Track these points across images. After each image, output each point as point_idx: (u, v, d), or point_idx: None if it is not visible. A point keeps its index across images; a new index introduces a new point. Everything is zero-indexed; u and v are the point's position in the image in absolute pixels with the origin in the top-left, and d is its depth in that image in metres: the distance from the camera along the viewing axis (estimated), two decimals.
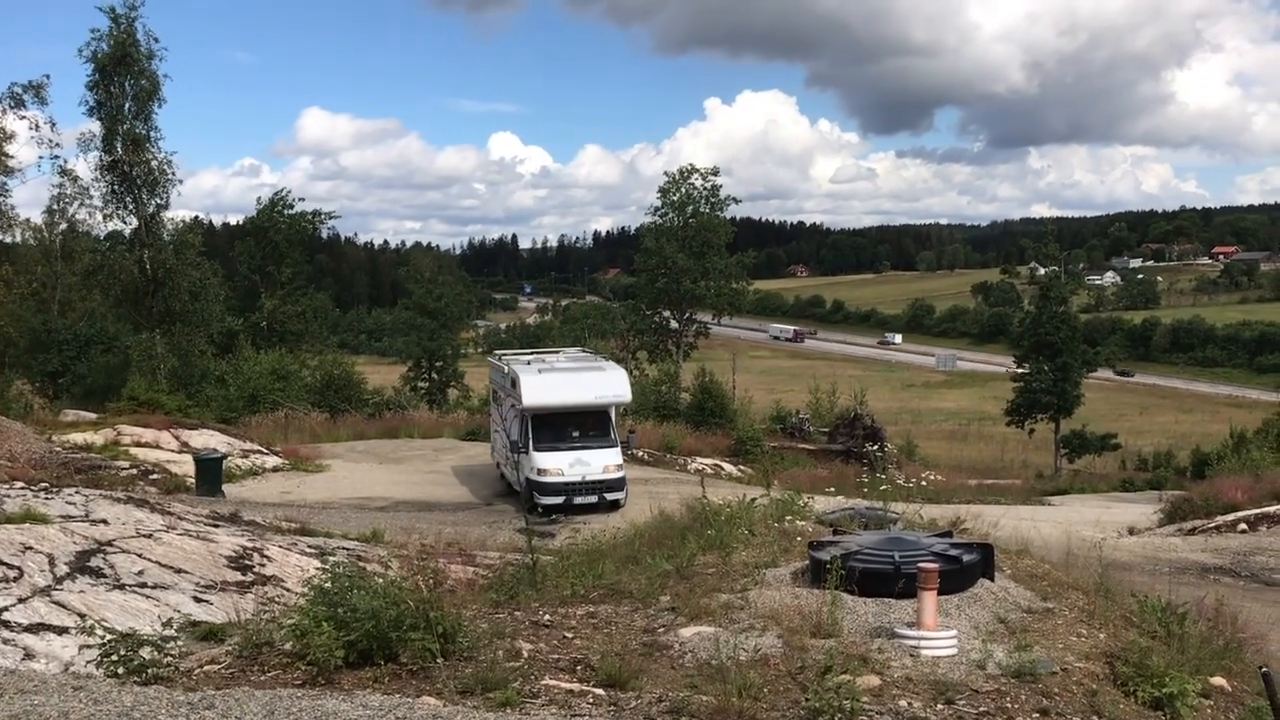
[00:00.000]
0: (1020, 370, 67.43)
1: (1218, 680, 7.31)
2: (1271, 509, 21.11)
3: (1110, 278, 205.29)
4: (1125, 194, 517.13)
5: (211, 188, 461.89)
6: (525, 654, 7.15)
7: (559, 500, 23.12)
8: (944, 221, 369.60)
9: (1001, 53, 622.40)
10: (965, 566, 8.18)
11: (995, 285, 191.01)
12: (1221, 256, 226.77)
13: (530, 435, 23.80)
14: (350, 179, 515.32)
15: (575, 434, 24.21)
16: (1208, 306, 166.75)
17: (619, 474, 23.90)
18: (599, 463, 23.67)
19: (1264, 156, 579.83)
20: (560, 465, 23.41)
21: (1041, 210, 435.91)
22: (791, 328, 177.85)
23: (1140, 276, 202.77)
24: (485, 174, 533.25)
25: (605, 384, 24.89)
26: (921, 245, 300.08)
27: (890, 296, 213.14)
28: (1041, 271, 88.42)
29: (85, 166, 40.02)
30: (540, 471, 23.40)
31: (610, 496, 23.57)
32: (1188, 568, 15.82)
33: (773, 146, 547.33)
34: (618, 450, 24.53)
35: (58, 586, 10.09)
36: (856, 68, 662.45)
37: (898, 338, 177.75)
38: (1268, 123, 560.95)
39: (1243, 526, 20.06)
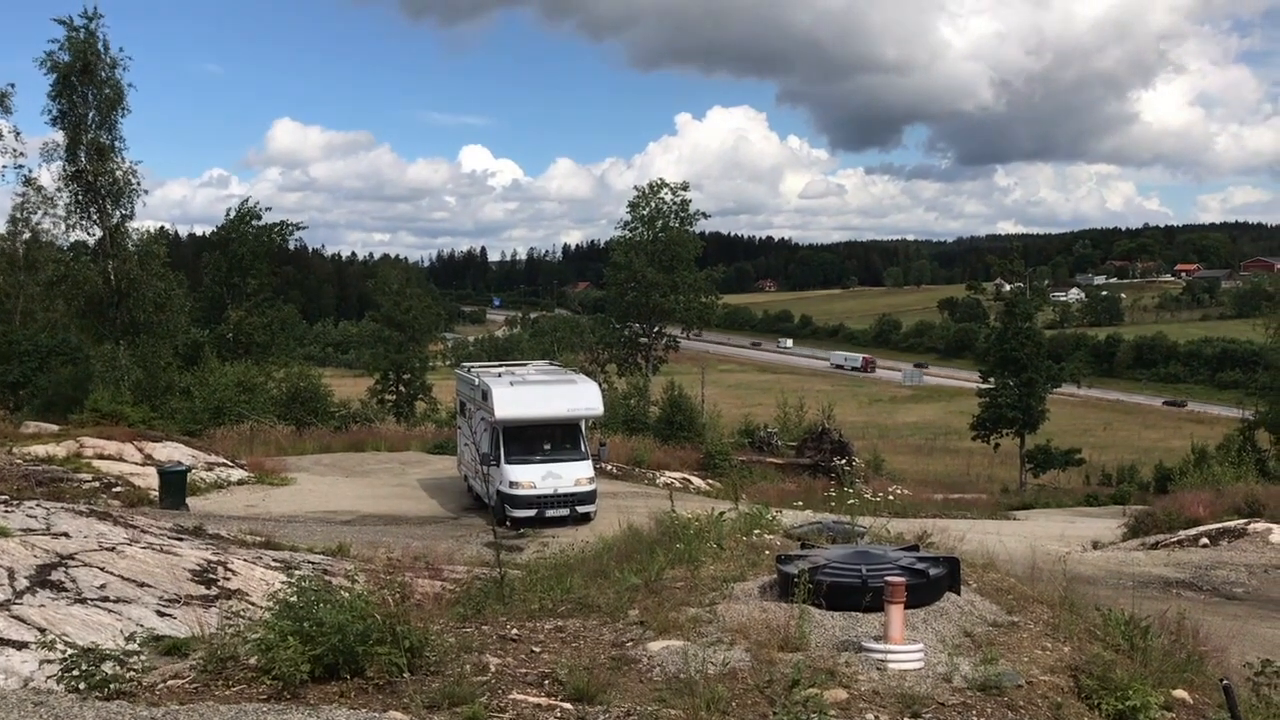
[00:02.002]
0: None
1: (1180, 693, 7.39)
2: (1232, 524, 21.36)
3: (1075, 294, 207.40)
4: (1090, 211, 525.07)
5: (180, 198, 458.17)
6: (493, 668, 7.12)
7: (531, 513, 23.08)
8: (911, 238, 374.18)
9: (970, 71, 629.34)
10: (932, 580, 8.23)
11: (961, 301, 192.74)
12: (1184, 274, 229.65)
13: (502, 448, 23.75)
14: (320, 190, 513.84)
15: (547, 447, 24.21)
16: (1170, 323, 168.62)
17: (590, 487, 23.89)
18: (571, 475, 23.66)
19: (1225, 176, 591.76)
20: (532, 478, 23.38)
21: (1007, 227, 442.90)
22: (860, 356, 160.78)
23: (1104, 293, 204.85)
24: (455, 186, 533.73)
25: (577, 397, 24.86)
26: (889, 261, 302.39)
27: (858, 311, 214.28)
28: (1007, 288, 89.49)
29: (49, 176, 39.67)
30: (512, 484, 23.35)
31: (582, 509, 23.56)
32: (1150, 582, 16.00)
33: (743, 162, 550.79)
34: (589, 463, 24.52)
35: (17, 600, 9.94)
36: (827, 85, 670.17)
37: (788, 342, 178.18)
38: (1229, 143, 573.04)
39: (1204, 541, 20.28)
